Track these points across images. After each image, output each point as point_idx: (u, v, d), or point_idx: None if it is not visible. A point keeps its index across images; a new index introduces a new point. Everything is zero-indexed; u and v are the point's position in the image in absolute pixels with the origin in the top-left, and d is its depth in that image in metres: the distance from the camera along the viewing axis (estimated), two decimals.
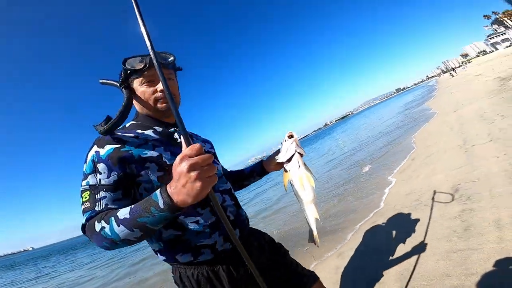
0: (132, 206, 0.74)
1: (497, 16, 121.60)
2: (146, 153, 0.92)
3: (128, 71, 1.00)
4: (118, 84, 1.01)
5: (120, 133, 0.96)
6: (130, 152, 0.90)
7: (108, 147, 0.89)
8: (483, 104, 7.00)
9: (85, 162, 0.89)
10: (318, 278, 1.23)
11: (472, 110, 6.98)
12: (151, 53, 0.68)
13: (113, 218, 0.74)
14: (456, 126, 6.11)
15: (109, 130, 0.92)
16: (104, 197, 0.84)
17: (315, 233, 0.96)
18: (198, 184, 0.63)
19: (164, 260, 1.00)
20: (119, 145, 0.90)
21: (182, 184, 0.64)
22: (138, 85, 1.02)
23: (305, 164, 0.96)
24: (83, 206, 0.83)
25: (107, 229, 0.74)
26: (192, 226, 0.94)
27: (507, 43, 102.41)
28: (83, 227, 0.83)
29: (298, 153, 0.95)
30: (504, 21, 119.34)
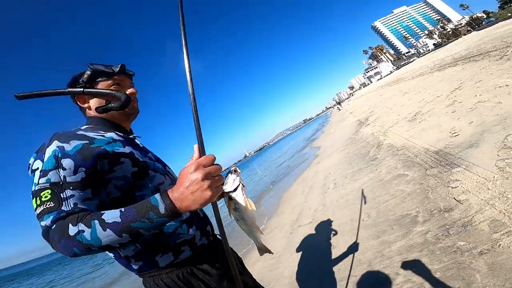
0: (122, 209, 0.71)
1: (373, 51, 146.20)
2: (119, 149, 0.90)
3: (96, 73, 1.03)
4: (80, 88, 1.00)
5: (82, 131, 0.91)
6: (101, 147, 0.86)
7: (76, 143, 0.84)
8: (334, 160, 7.58)
9: (40, 159, 0.80)
10: None
11: (325, 166, 7.44)
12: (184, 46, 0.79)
13: (97, 221, 0.68)
14: (306, 190, 6.30)
15: (124, 106, 1.03)
16: (72, 195, 0.76)
17: (263, 245, 1.09)
18: (208, 194, 0.69)
19: (139, 268, 0.92)
20: (87, 141, 0.86)
21: (192, 191, 0.68)
22: (105, 87, 1.05)
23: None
24: (42, 207, 0.73)
25: (86, 234, 0.67)
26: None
27: (379, 76, 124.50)
28: (47, 229, 0.71)
29: (242, 184, 1.07)
30: (378, 55, 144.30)
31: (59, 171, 0.77)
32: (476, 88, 5.40)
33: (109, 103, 1.03)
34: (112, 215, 0.69)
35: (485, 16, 77.58)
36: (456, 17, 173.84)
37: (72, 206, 0.74)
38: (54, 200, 0.73)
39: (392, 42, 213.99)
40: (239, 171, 1.12)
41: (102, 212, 0.71)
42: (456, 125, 4.08)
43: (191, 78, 0.78)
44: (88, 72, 1.02)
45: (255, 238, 1.08)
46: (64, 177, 0.77)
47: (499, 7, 75.92)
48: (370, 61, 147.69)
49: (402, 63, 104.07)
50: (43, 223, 0.72)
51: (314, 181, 6.63)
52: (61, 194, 0.74)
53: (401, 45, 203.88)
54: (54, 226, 0.70)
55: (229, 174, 1.12)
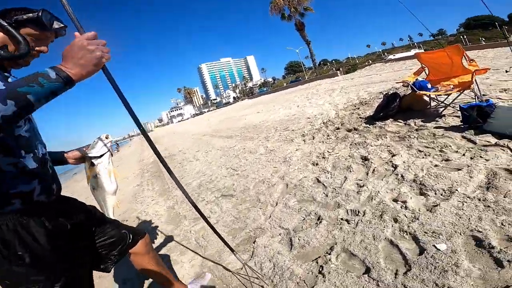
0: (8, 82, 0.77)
1: (186, 91, 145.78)
2: None
3: (36, 22, 0.94)
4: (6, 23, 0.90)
5: None
6: None
7: None
8: None
9: None
10: (145, 233, 1.37)
11: None
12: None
13: None
14: None
15: (11, 58, 0.93)
16: None
17: (113, 217, 1.16)
18: (97, 54, 0.75)
19: None
20: None
21: (79, 57, 0.73)
22: (25, 34, 0.95)
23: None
24: None
25: None
26: (8, 168, 0.86)
27: (180, 118, 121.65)
28: None
29: (111, 153, 1.10)
30: (188, 96, 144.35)
31: None
32: None
33: (3, 48, 0.91)
34: None
35: (273, 81, 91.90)
36: (257, 78, 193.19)
37: None
38: None
39: (207, 86, 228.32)
40: (110, 138, 1.13)
41: None
42: None
43: None
44: (32, 15, 0.91)
45: (107, 207, 1.12)
46: None
47: (282, 76, 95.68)
48: (179, 100, 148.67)
49: (203, 110, 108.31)
50: None
51: None
52: None
53: (213, 91, 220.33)
54: None
55: (98, 140, 1.12)
